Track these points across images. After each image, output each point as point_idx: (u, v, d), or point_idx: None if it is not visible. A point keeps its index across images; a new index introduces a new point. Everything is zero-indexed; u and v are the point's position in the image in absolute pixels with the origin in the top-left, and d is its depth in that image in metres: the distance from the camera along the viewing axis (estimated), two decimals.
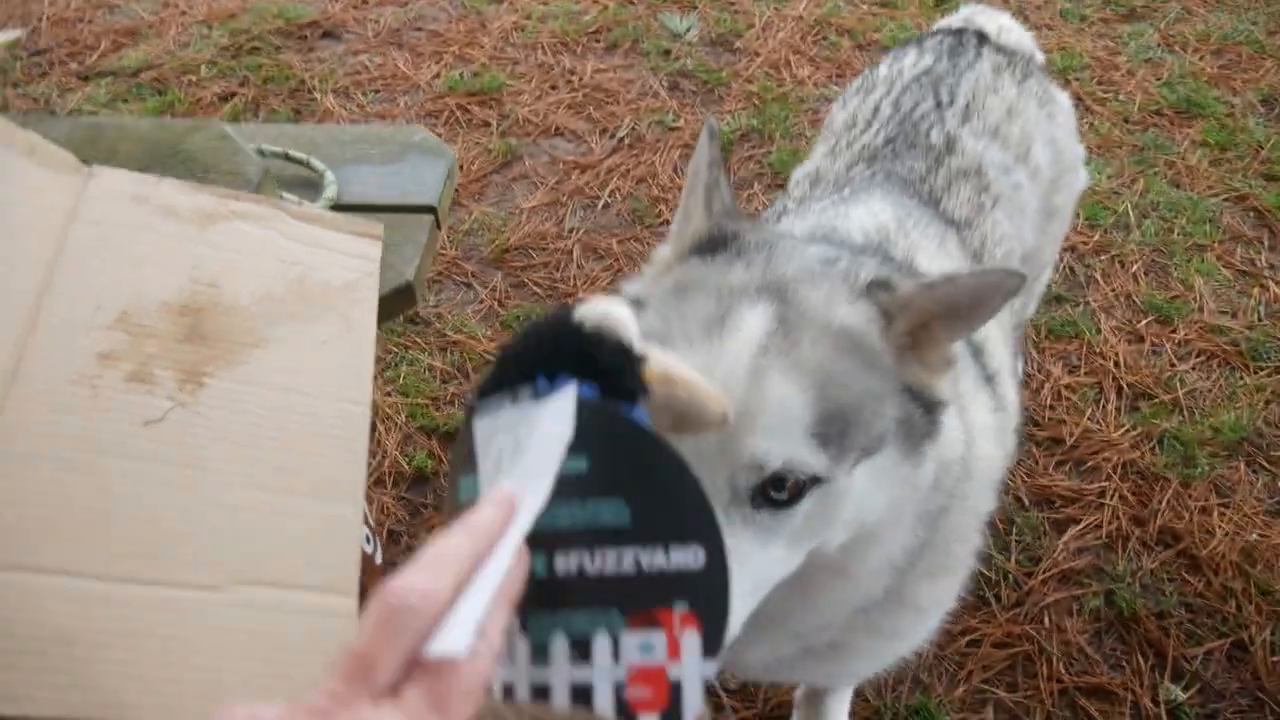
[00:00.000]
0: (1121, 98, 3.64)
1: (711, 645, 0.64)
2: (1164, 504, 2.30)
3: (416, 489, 2.35)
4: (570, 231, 3.03)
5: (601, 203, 3.14)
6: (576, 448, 0.66)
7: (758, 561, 0.98)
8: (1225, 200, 3.17)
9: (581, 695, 0.62)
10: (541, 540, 0.64)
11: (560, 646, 0.63)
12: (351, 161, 2.05)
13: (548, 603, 0.64)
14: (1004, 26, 2.03)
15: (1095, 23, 4.10)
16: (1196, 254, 2.97)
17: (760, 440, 0.93)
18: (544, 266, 2.92)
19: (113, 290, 1.01)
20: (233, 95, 3.61)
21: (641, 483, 0.67)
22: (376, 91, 3.65)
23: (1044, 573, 2.17)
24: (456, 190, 3.17)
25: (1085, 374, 2.61)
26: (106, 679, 0.78)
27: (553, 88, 3.67)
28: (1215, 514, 2.29)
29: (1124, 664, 2.05)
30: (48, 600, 0.80)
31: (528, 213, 3.10)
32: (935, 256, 1.44)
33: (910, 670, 2.02)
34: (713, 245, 1.10)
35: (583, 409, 0.67)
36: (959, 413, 1.16)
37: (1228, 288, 2.87)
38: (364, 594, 1.14)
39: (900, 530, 1.13)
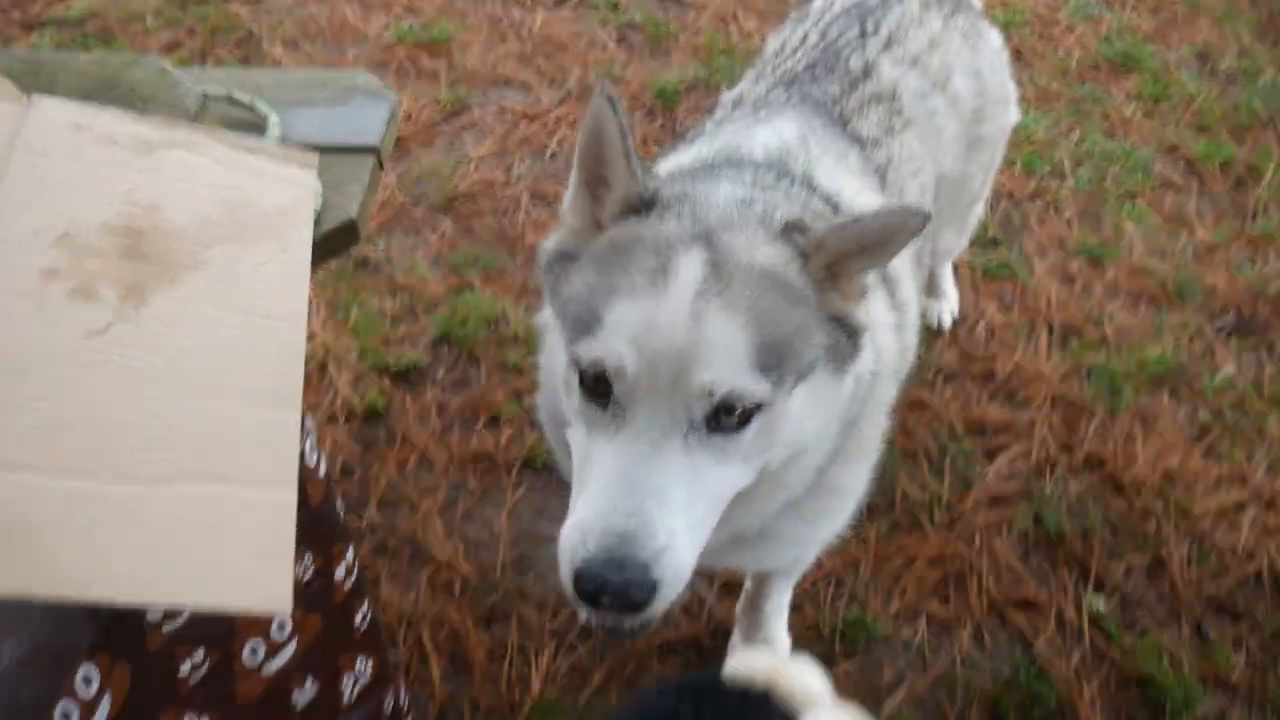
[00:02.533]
0: (1061, 52, 3.71)
1: None
2: (1090, 432, 2.41)
3: (369, 425, 2.40)
4: (518, 179, 3.07)
5: (549, 151, 3.17)
6: None
7: (717, 478, 1.10)
8: (1157, 150, 3.27)
9: None
10: None
11: None
12: (295, 104, 2.07)
13: None
14: None
15: None
16: (1128, 200, 3.07)
17: (707, 372, 1.06)
18: (492, 213, 2.96)
19: (53, 214, 1.05)
20: (179, 45, 3.60)
21: None
22: (325, 42, 3.64)
23: (975, 496, 2.27)
24: (406, 139, 3.19)
25: (1018, 313, 2.70)
26: (64, 560, 0.83)
27: (502, 39, 3.68)
28: (1139, 441, 2.39)
29: (1050, 579, 2.15)
30: (2, 492, 0.85)
31: (476, 161, 3.13)
32: (834, 171, 1.52)
33: (847, 587, 2.11)
34: (643, 204, 1.19)
35: None
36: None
37: (1156, 232, 2.97)
38: (305, 501, 1.20)
39: (827, 439, 1.24)
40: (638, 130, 3.26)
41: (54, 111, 1.15)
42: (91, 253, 1.03)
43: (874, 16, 1.89)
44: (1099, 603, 2.09)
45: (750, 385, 1.08)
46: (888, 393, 1.40)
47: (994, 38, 2.09)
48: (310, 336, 2.54)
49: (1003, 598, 2.10)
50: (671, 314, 1.07)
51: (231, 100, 2.05)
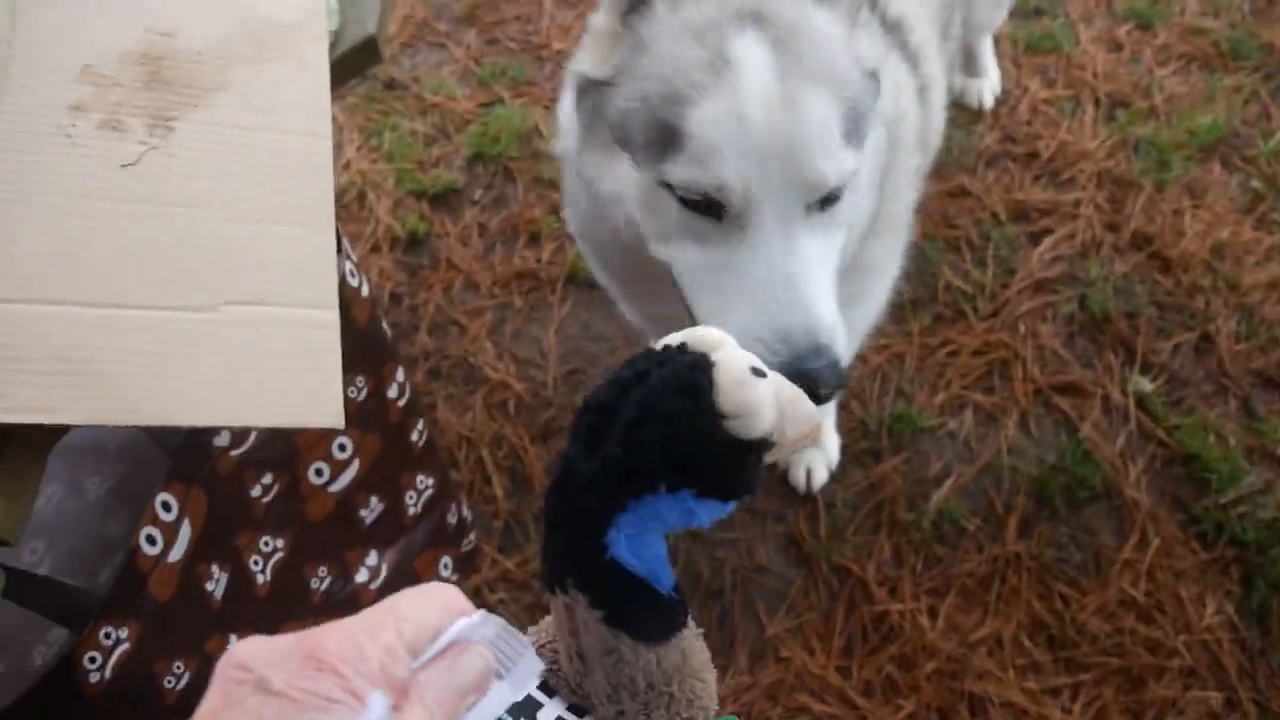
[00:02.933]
0: None
1: None
2: (1137, 209, 2.36)
3: (412, 251, 2.42)
4: None
5: None
6: None
7: (832, 252, 1.10)
8: None
9: None
10: None
11: None
12: None
13: None
14: None
15: None
16: None
17: (820, 163, 1.03)
18: (516, 20, 2.88)
19: (72, 47, 1.04)
20: None
21: None
22: None
23: (1019, 283, 2.26)
24: None
25: (1063, 87, 2.61)
26: (129, 390, 0.87)
27: None
28: (1187, 215, 2.34)
29: (1095, 362, 2.16)
30: (56, 325, 0.88)
31: None
32: None
33: (893, 382, 2.14)
34: None
35: None
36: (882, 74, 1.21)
37: None
38: (350, 323, 1.23)
39: (871, 196, 1.21)
40: None
41: None
42: (114, 84, 1.03)
43: None
44: (1145, 383, 2.10)
45: (849, 161, 1.06)
46: (913, 160, 1.37)
47: None
48: (346, 165, 2.54)
49: (1047, 384, 2.12)
50: (761, 106, 1.01)
51: None
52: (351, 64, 1.82)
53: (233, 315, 0.94)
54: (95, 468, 1.26)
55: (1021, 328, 2.20)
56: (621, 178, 1.13)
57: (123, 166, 0.98)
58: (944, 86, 1.56)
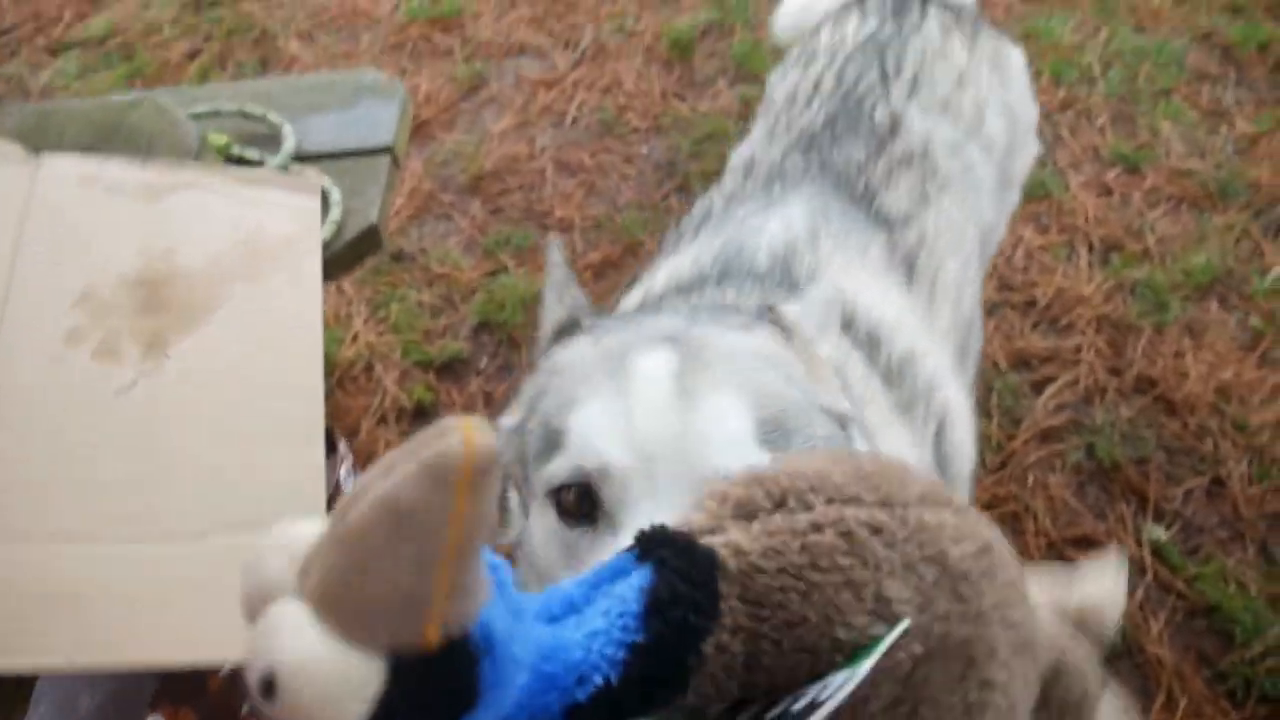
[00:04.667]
0: None
1: None
2: (1138, 352, 2.37)
3: (419, 422, 2.44)
4: (542, 151, 3.07)
5: (570, 118, 3.16)
6: None
7: None
8: (1190, 40, 3.16)
9: None
10: None
11: None
12: (307, 111, 2.09)
13: None
14: None
15: None
16: (1163, 98, 2.98)
17: (717, 456, 0.86)
18: (519, 189, 2.97)
19: (72, 272, 1.08)
20: (198, 52, 3.63)
21: None
22: (338, 31, 3.65)
23: (1025, 433, 2.25)
24: (427, 122, 3.20)
25: (1056, 232, 2.65)
26: (109, 630, 0.87)
27: (512, 4, 3.66)
28: (1189, 356, 2.35)
29: (1107, 512, 2.13)
30: (50, 564, 0.89)
31: (498, 137, 3.13)
32: (848, 269, 1.38)
33: None
34: (571, 329, 1.06)
35: None
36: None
37: (1195, 129, 2.89)
38: None
39: None
40: (655, 84, 3.23)
41: (62, 167, 1.19)
42: (111, 309, 1.06)
43: (893, 51, 1.71)
44: (1159, 532, 2.07)
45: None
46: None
47: (1018, 58, 1.88)
48: (354, 338, 2.59)
49: (1060, 536, 2.09)
50: (649, 403, 0.89)
51: (245, 115, 2.08)
52: (354, 251, 1.87)
53: (219, 544, 0.94)
54: (89, 681, 1.25)
55: (1030, 479, 2.18)
56: (533, 528, 0.98)
57: (117, 394, 1.00)
58: (969, 420, 1.45)
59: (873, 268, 1.42)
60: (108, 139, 1.27)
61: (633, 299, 1.49)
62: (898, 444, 1.22)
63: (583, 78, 3.29)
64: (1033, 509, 2.13)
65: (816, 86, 1.72)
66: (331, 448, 1.16)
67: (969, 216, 1.65)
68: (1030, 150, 1.93)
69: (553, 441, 0.93)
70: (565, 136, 3.11)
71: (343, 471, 1.25)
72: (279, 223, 1.18)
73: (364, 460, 2.42)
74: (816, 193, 1.51)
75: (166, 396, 1.02)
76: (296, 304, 1.12)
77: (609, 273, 2.70)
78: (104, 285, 1.07)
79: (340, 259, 1.85)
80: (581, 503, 0.90)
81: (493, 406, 2.44)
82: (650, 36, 3.38)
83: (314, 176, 1.21)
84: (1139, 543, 2.08)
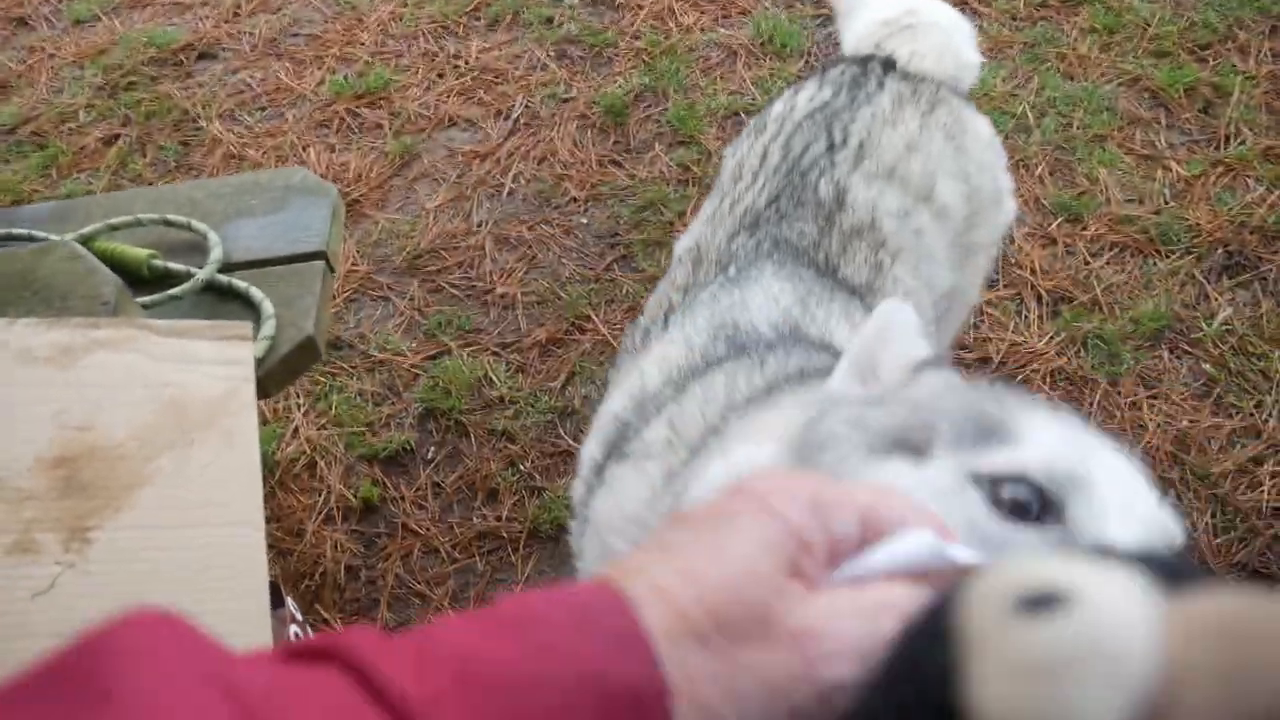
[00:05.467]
0: None
1: None
2: (1095, 405, 2.35)
3: (367, 520, 2.35)
4: (479, 225, 3.00)
5: (506, 190, 3.10)
6: None
7: None
8: (1119, 85, 3.19)
9: None
10: None
11: None
12: (234, 216, 2.01)
13: None
14: (917, 51, 1.81)
15: None
16: (1098, 145, 3.00)
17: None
18: (458, 267, 2.90)
19: None
20: (116, 138, 3.52)
21: None
22: (262, 109, 3.56)
23: None
24: (359, 201, 3.13)
25: (1005, 287, 2.64)
26: None
27: (440, 76, 3.60)
28: (1145, 407, 2.34)
29: None
30: None
31: (434, 213, 3.06)
32: (847, 335, 1.36)
33: None
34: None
35: None
36: None
37: (1131, 174, 2.90)
38: None
39: None
40: (592, 151, 3.19)
41: None
42: (28, 497, 0.97)
43: (841, 121, 1.67)
44: None
45: None
46: None
47: (982, 129, 1.84)
48: (294, 433, 2.50)
49: None
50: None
51: (168, 223, 1.99)
52: (290, 368, 1.79)
53: None
54: None
55: None
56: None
57: (34, 596, 0.91)
58: None
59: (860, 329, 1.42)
60: (18, 294, 1.18)
61: (615, 404, 1.41)
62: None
63: (517, 147, 3.24)
64: None
65: (763, 159, 1.69)
66: (278, 602, 1.08)
67: (923, 282, 1.63)
68: (1000, 219, 1.88)
69: (991, 431, 0.82)
70: (503, 209, 3.05)
71: (292, 632, 1.17)
72: (207, 381, 1.10)
73: (310, 564, 2.33)
74: (782, 263, 1.49)
75: (89, 591, 0.93)
76: (231, 471, 1.04)
77: (555, 350, 2.64)
78: (18, 470, 0.99)
79: (275, 376, 1.77)
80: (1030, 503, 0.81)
81: (443, 498, 2.36)
82: (583, 104, 3.34)
83: (242, 327, 1.13)
84: None
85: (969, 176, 1.77)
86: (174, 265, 1.87)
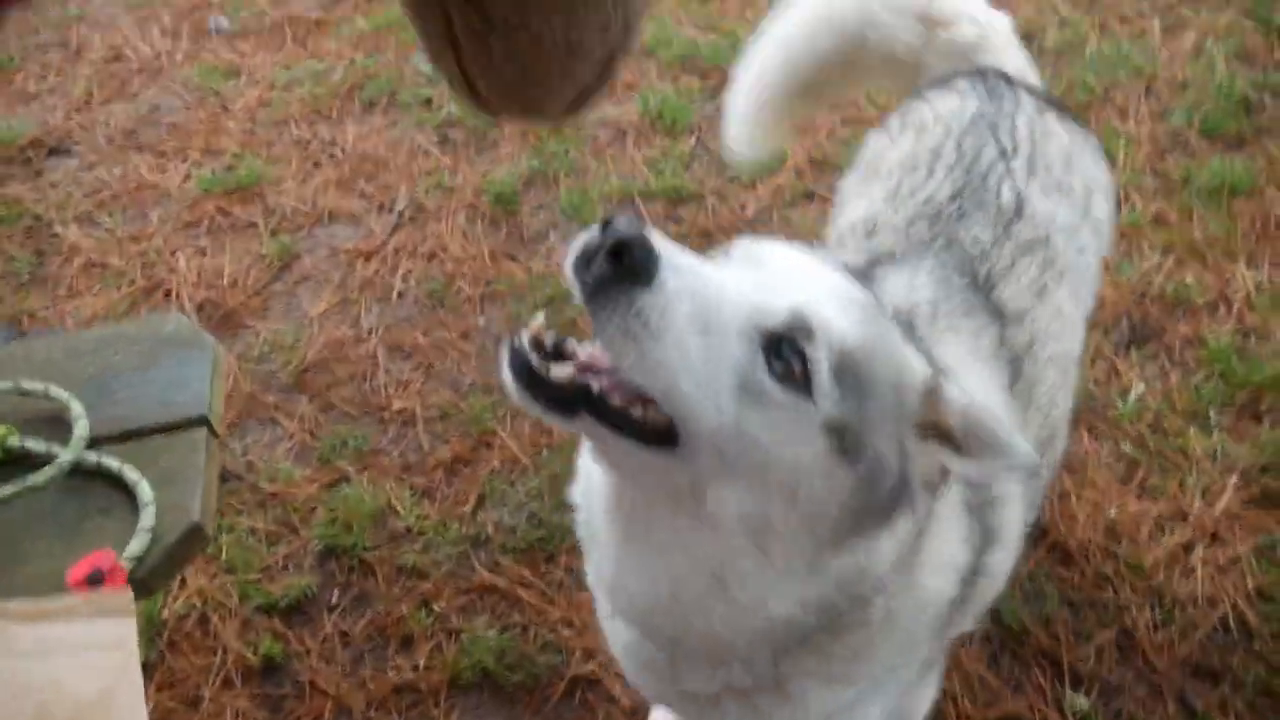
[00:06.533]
0: None
1: None
2: None
3: (270, 680, 2.14)
4: (369, 332, 2.83)
5: (395, 291, 2.94)
6: None
7: None
8: None
9: None
10: None
11: None
12: (98, 376, 1.81)
13: None
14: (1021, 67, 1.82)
15: None
16: None
17: None
18: (350, 380, 2.72)
19: None
20: None
21: None
22: (124, 210, 3.31)
23: None
24: (236, 311, 2.92)
25: None
26: None
27: (316, 165, 3.42)
28: (1073, 498, 2.31)
29: (1024, 684, 2.05)
30: None
31: (319, 320, 2.88)
32: (958, 350, 1.34)
33: None
34: None
35: None
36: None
37: None
38: None
39: (787, 545, 1.00)
40: (483, 244, 3.04)
41: None
42: None
43: (1004, 128, 1.63)
44: (1080, 701, 1.99)
45: None
46: (903, 633, 1.17)
47: (1095, 141, 1.83)
48: (182, 584, 2.28)
49: (981, 717, 1.99)
50: None
51: (22, 392, 1.78)
52: (175, 559, 1.59)
53: None
54: None
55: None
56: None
57: None
58: (1018, 534, 1.39)
59: (982, 355, 1.39)
60: None
61: None
62: (947, 542, 1.17)
63: (404, 243, 3.08)
64: (950, 690, 2.02)
65: (936, 155, 1.65)
66: None
67: (1080, 306, 1.61)
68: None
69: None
70: (393, 313, 2.89)
71: None
72: (85, 673, 0.93)
73: None
74: (940, 265, 1.46)
75: None
76: None
77: (462, 470, 2.48)
78: None
79: (159, 571, 1.57)
80: None
81: (352, 649, 2.18)
82: (471, 192, 3.20)
83: (124, 595, 0.96)
84: (1062, 713, 1.99)
85: (1108, 190, 1.75)
86: (33, 444, 1.66)
